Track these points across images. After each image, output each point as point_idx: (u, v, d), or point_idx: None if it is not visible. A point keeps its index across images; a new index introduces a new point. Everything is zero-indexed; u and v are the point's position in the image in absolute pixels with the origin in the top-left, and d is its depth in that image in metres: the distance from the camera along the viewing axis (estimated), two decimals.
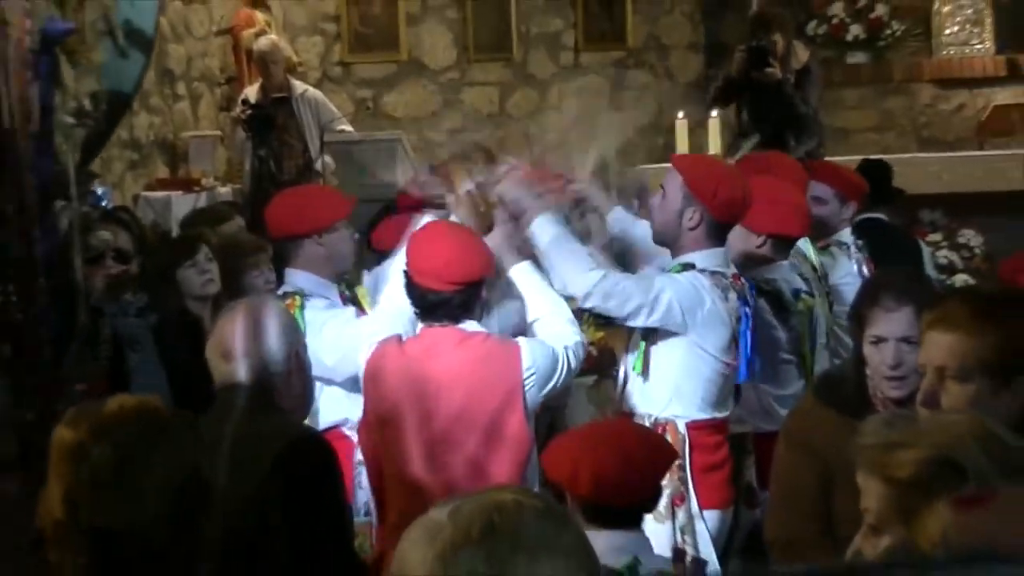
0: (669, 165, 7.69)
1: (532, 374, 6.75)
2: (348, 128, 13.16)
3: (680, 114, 13.23)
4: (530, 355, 6.77)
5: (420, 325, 6.96)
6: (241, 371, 5.81)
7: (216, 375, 5.73)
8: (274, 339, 5.97)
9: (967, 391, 4.53)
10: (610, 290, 7.00)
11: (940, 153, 15.67)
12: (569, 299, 7.39)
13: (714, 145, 12.50)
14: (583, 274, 7.06)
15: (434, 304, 6.84)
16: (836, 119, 16.43)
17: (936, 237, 14.00)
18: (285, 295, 7.38)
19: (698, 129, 13.03)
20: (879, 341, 5.50)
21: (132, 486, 3.62)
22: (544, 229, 7.16)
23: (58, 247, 6.46)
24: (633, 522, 5.50)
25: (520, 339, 7.08)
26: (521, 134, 14.48)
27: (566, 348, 6.96)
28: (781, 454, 5.55)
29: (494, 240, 7.35)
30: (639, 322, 6.99)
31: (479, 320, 6.95)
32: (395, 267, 7.36)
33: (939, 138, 17.29)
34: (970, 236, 14.30)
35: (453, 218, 7.62)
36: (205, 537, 3.73)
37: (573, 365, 7.05)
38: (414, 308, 6.98)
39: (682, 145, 12.60)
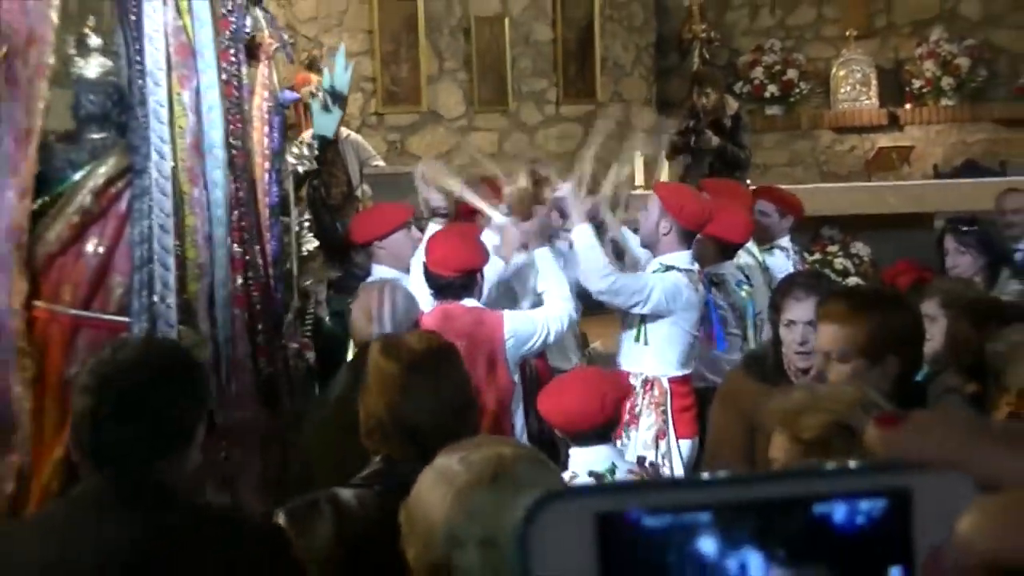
0: (651, 192, 8.08)
1: (511, 338, 7.03)
2: (381, 163, 13.24)
3: (638, 153, 12.85)
4: (511, 325, 7.07)
5: (434, 302, 7.18)
6: (377, 330, 6.08)
7: (357, 334, 6.07)
8: (401, 307, 6.26)
9: (847, 369, 4.67)
10: (618, 289, 7.29)
11: (837, 184, 15.93)
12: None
13: (664, 177, 12.63)
14: (602, 276, 7.31)
15: (442, 286, 7.12)
16: (757, 157, 15.50)
17: (833, 248, 14.07)
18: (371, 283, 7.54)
19: (651, 164, 13.22)
20: (790, 324, 5.64)
21: (432, 394, 3.97)
22: (583, 234, 7.43)
23: (282, 247, 6.86)
24: (606, 438, 5.67)
25: (505, 312, 7.36)
26: (522, 168, 13.70)
27: (547, 319, 7.20)
28: (716, 411, 5.69)
29: (532, 226, 7.64)
30: (636, 310, 7.33)
31: (478, 298, 7.18)
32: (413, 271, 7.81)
33: (836, 172, 17.53)
34: (860, 248, 14.15)
35: (498, 218, 7.84)
36: (474, 429, 4.07)
37: (552, 331, 7.28)
38: (429, 289, 7.20)
39: (639, 177, 12.64)
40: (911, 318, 5.10)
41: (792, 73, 17.88)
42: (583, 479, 5.10)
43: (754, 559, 0.73)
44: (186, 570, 3.19)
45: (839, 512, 0.73)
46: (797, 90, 18.01)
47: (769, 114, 17.93)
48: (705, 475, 0.77)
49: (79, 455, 3.19)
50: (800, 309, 5.68)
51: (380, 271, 7.79)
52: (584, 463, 5.63)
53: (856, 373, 4.62)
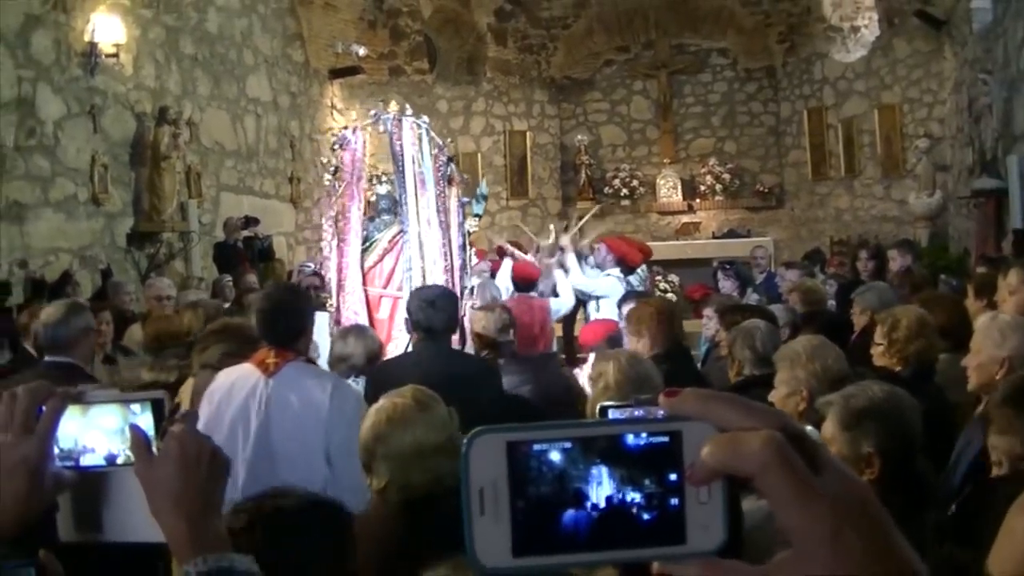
0: (600, 242, 11.82)
1: (553, 311, 9.95)
2: None
3: (551, 226, 14.74)
4: (552, 305, 10.08)
5: (516, 294, 10.10)
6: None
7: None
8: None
9: (636, 342, 6.46)
10: (591, 288, 10.54)
11: (660, 243, 19.34)
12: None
13: (569, 237, 13.18)
14: (582, 284, 10.44)
15: (521, 287, 10.25)
16: (614, 228, 20.06)
17: (659, 277, 17.82)
18: None
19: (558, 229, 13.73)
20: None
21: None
22: (573, 262, 10.90)
23: (464, 263, 9.74)
24: (616, 343, 7.12)
25: (550, 299, 10.30)
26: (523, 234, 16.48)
27: (561, 303, 10.44)
28: None
29: (552, 260, 11.18)
30: (594, 295, 10.48)
31: (537, 293, 10.15)
32: (500, 277, 11.11)
33: (661, 236, 22.10)
34: (673, 277, 18.64)
35: (529, 256, 11.58)
36: None
37: (564, 309, 10.50)
38: (515, 288, 10.28)
39: (555, 237, 13.23)
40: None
41: (635, 182, 23.73)
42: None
43: (595, 468, 0.92)
44: None
45: (643, 441, 0.92)
46: (638, 192, 23.75)
47: (623, 204, 23.45)
48: (569, 420, 0.95)
49: None
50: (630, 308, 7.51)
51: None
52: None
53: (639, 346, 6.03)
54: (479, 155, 22.50)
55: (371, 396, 5.19)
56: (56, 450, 1.79)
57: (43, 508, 1.81)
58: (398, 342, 8.77)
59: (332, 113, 21.33)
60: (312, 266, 12.89)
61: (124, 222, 13.82)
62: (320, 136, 20.70)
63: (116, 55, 13.50)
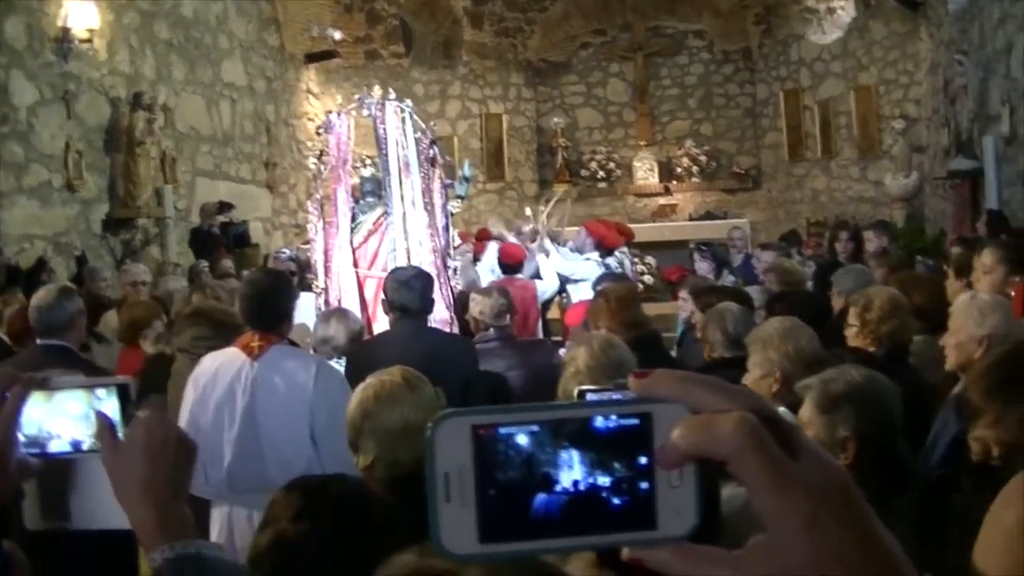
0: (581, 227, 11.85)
1: (539, 292, 10.39)
2: None
3: (528, 211, 14.41)
4: (537, 287, 10.44)
5: (502, 276, 10.43)
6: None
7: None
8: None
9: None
10: (570, 271, 10.74)
11: (638, 225, 18.12)
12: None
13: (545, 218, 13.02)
14: (561, 267, 10.69)
15: (508, 269, 10.63)
16: (593, 211, 20.70)
17: (637, 259, 15.98)
18: None
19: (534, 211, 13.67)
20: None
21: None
22: (551, 245, 11.09)
23: (448, 241, 10.16)
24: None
25: (536, 281, 10.61)
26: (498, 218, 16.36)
27: (546, 286, 10.75)
28: None
29: (536, 245, 11.10)
30: (575, 277, 10.60)
31: (524, 275, 10.48)
32: (485, 260, 11.54)
33: (638, 219, 21.70)
34: (650, 259, 17.58)
35: (511, 238, 11.56)
36: None
37: (549, 292, 10.78)
38: (502, 271, 10.62)
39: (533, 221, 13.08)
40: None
41: (612, 165, 23.82)
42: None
43: (563, 451, 0.90)
44: None
45: (613, 424, 0.91)
46: (615, 174, 23.81)
47: (600, 187, 23.54)
48: (536, 403, 0.93)
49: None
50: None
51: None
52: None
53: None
54: (455, 139, 22.40)
55: (351, 374, 5.45)
56: (21, 437, 1.77)
57: (8, 496, 1.79)
58: (383, 322, 8.70)
59: (308, 98, 21.34)
60: (288, 252, 12.98)
61: (99, 208, 13.82)
62: (296, 121, 20.74)
63: (90, 40, 13.50)
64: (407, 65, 22.92)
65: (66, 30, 13.03)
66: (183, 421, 5.36)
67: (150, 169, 14.49)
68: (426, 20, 23.13)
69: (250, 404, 5.42)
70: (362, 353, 6.57)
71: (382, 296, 7.16)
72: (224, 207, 15.91)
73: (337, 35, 20.68)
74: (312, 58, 21.13)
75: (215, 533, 5.32)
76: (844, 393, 3.76)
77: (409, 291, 6.61)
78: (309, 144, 20.61)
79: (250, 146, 18.80)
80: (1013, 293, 5.75)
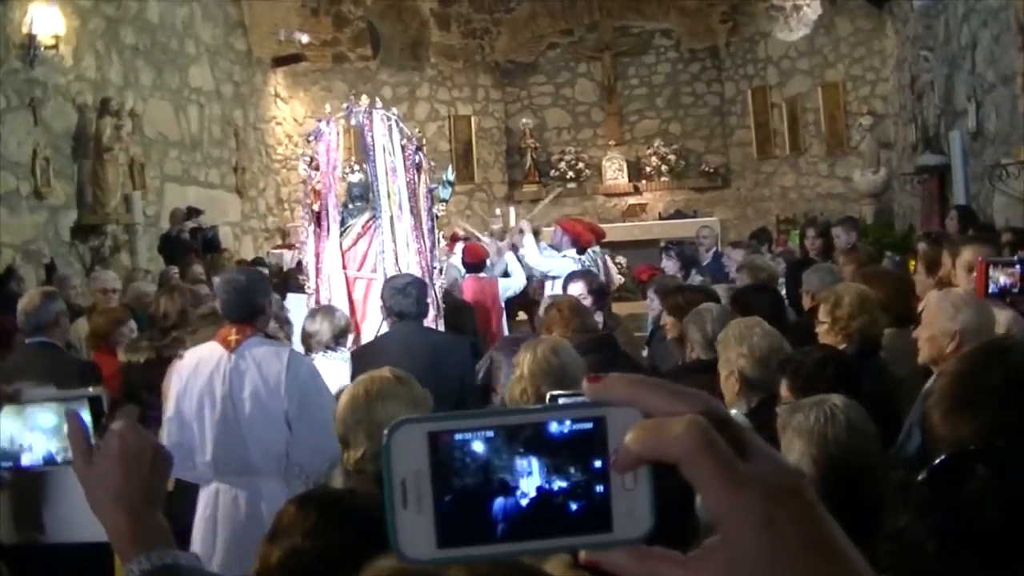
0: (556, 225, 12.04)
1: (503, 289, 10.86)
2: None
3: (498, 211, 17.43)
4: (501, 284, 10.91)
5: (467, 274, 11.03)
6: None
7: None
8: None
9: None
10: (548, 268, 10.94)
11: (608, 224, 18.03)
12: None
13: (513, 218, 14.89)
14: (540, 264, 11.03)
15: (471, 267, 11.17)
16: (563, 210, 19.84)
17: (609, 258, 14.26)
18: None
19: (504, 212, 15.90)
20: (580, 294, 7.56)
21: None
22: (531, 245, 11.37)
23: (434, 243, 10.32)
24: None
25: (500, 279, 11.09)
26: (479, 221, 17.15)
27: (513, 284, 11.19)
28: None
29: (505, 243, 11.77)
30: (550, 275, 10.81)
31: (494, 273, 11.09)
32: (453, 259, 11.68)
33: (608, 219, 21.60)
34: (621, 258, 17.14)
35: (485, 238, 12.47)
36: None
37: (515, 289, 11.19)
38: (466, 269, 11.12)
39: (504, 221, 15.07)
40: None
41: (581, 165, 23.83)
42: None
43: (519, 457, 0.91)
44: None
45: (567, 428, 0.92)
46: (584, 174, 23.84)
47: (569, 187, 23.18)
48: (491, 408, 1.17)
49: None
50: (577, 288, 8.02)
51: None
52: None
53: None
54: (423, 141, 21.83)
55: (356, 374, 5.55)
56: None
57: None
58: (372, 321, 9.33)
59: (276, 101, 21.34)
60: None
61: (68, 215, 13.79)
62: (264, 125, 20.73)
63: (56, 46, 13.47)
64: (375, 67, 22.91)
65: (32, 36, 13.00)
66: (169, 412, 5.89)
67: (118, 175, 14.48)
68: (393, 22, 23.16)
69: (229, 392, 5.87)
70: (366, 352, 7.17)
71: (379, 303, 7.73)
72: (193, 212, 15.92)
73: (304, 38, 20.71)
74: (279, 62, 21.13)
75: (200, 511, 5.75)
76: (800, 429, 3.45)
77: (405, 297, 7.20)
78: (279, 149, 20.91)
79: (218, 151, 18.80)
80: (975, 273, 5.73)
